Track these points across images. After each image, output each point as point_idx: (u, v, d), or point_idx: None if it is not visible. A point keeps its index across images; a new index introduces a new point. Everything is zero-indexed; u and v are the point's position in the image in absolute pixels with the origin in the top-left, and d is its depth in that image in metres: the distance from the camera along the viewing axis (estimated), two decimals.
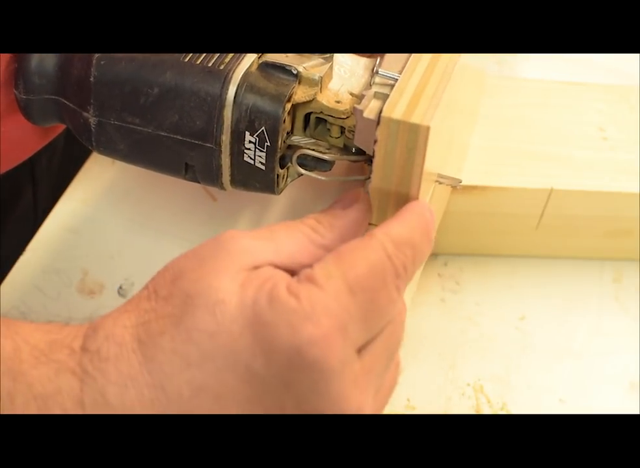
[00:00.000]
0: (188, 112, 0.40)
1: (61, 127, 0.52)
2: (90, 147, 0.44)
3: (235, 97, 0.39)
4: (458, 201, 0.53)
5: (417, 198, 0.36)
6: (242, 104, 0.39)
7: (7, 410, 0.29)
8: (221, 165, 0.41)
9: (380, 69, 0.38)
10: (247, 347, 0.29)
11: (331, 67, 0.41)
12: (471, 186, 0.52)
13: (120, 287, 0.53)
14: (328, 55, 0.41)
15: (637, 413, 0.49)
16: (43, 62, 0.42)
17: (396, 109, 0.34)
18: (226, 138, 0.40)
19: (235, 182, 0.42)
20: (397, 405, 0.49)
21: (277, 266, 0.32)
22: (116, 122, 0.41)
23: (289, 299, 0.30)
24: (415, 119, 0.34)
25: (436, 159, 0.38)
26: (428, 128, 0.34)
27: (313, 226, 0.34)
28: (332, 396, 0.30)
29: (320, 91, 0.40)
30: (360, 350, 0.31)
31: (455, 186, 0.39)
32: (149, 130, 0.41)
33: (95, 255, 0.55)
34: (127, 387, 0.29)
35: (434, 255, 0.57)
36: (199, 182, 0.43)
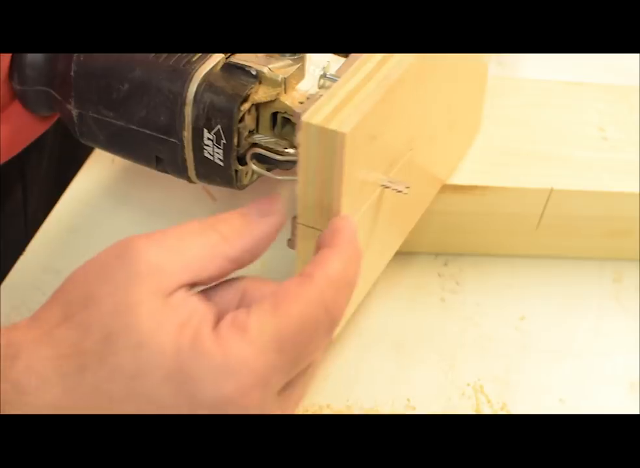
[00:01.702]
0: (154, 107, 0.42)
1: (54, 119, 0.53)
2: (75, 136, 0.46)
3: (194, 96, 0.41)
4: (458, 201, 0.53)
5: (339, 203, 0.35)
6: (201, 103, 0.41)
7: None
8: (185, 159, 0.43)
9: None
10: (169, 395, 0.30)
11: (301, 68, 0.42)
12: (471, 186, 0.52)
13: None
14: (298, 56, 0.42)
15: (637, 413, 0.49)
16: (35, 56, 0.44)
17: (318, 114, 0.34)
18: (187, 134, 0.41)
19: (199, 176, 0.44)
20: (397, 405, 0.49)
21: (187, 283, 0.31)
22: (93, 114, 0.44)
23: (216, 352, 0.30)
24: (333, 125, 0.34)
25: (376, 163, 0.38)
26: (344, 135, 0.33)
27: (224, 234, 0.33)
28: None
29: (285, 92, 0.41)
30: (280, 391, 0.32)
31: (400, 191, 0.39)
32: (122, 124, 0.43)
33: None
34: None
35: (434, 255, 0.57)
36: (171, 174, 0.45)
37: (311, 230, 0.37)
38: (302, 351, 0.31)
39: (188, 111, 0.41)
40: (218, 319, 0.32)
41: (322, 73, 0.40)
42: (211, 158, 0.42)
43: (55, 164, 0.66)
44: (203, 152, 0.42)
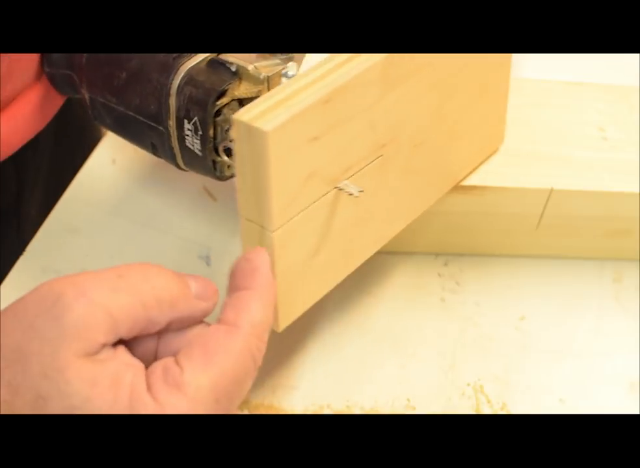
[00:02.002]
0: (146, 96, 0.45)
1: (45, 121, 0.55)
2: (91, 119, 0.50)
3: (177, 88, 0.44)
4: (458, 201, 0.53)
5: (269, 199, 0.36)
6: (182, 95, 0.43)
7: None
8: (172, 147, 0.46)
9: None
10: None
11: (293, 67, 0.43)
12: (471, 186, 0.52)
13: None
14: (287, 56, 0.43)
15: (637, 413, 0.49)
16: None
17: (251, 112, 0.35)
18: (172, 123, 0.44)
19: (185, 164, 0.46)
20: (397, 405, 0.49)
21: (113, 341, 0.31)
22: (100, 99, 0.47)
23: (154, 408, 0.30)
24: (259, 123, 0.34)
25: (323, 164, 0.38)
26: (266, 133, 0.34)
27: (158, 298, 0.32)
28: None
29: (269, 90, 0.42)
30: None
31: (352, 194, 0.39)
32: (122, 109, 0.46)
33: (95, 255, 0.55)
34: None
35: (434, 255, 0.57)
36: (165, 160, 0.48)
37: (251, 224, 0.38)
38: (235, 399, 0.32)
39: (172, 102, 0.44)
40: (146, 370, 0.31)
41: (284, 72, 0.41)
42: (191, 147, 0.44)
43: (54, 164, 0.66)
44: (185, 141, 0.44)
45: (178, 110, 0.43)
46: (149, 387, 0.30)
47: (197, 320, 0.34)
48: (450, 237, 0.56)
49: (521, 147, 0.55)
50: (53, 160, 0.67)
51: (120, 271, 0.32)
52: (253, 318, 0.33)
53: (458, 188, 0.52)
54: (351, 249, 0.44)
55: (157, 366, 0.31)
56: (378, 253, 0.56)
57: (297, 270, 0.40)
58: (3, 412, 0.29)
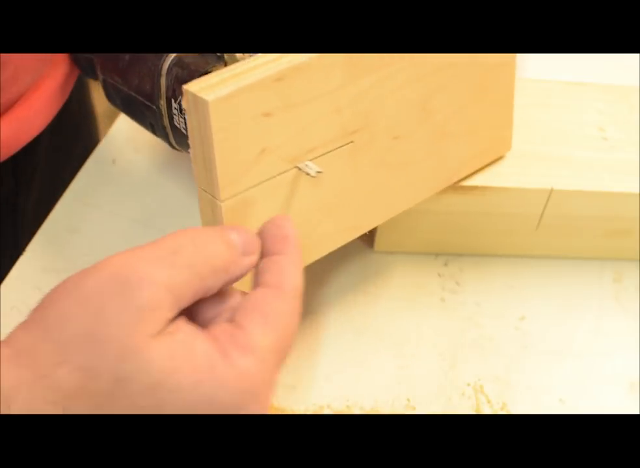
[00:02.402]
0: (143, 77, 0.48)
1: (37, 131, 0.56)
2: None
3: (167, 69, 0.46)
4: (458, 201, 0.53)
5: (216, 170, 0.37)
6: (170, 75, 0.46)
7: None
8: (165, 126, 0.48)
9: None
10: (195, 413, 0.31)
11: None
12: (471, 186, 0.52)
13: None
14: None
15: (637, 413, 0.49)
16: None
17: (201, 84, 0.36)
18: (163, 102, 0.47)
19: (177, 143, 0.49)
20: (397, 405, 0.49)
21: (178, 313, 0.32)
22: (110, 80, 0.51)
23: (234, 379, 0.31)
24: (204, 93, 0.35)
25: (280, 141, 0.39)
26: (207, 102, 0.35)
27: (215, 267, 0.33)
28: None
29: None
30: None
31: (308, 173, 0.40)
32: (126, 90, 0.49)
33: (95, 255, 0.55)
34: None
35: (434, 255, 0.57)
36: (162, 140, 0.50)
37: (204, 193, 0.39)
38: (286, 358, 0.34)
39: (163, 82, 0.46)
40: (211, 336, 0.32)
41: None
42: (178, 126, 0.46)
43: (51, 163, 0.66)
44: (173, 120, 0.46)
45: (167, 90, 0.46)
46: (222, 353, 0.31)
47: (244, 276, 0.35)
48: (450, 237, 0.56)
49: (521, 147, 0.55)
50: (49, 160, 0.67)
51: (173, 246, 0.33)
52: (294, 281, 0.35)
53: (458, 188, 0.52)
54: (316, 234, 0.44)
55: (221, 332, 0.32)
56: (378, 253, 0.57)
57: None
58: (75, 397, 0.29)
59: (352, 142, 0.43)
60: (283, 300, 0.34)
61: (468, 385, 0.50)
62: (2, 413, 0.28)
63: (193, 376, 0.30)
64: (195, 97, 0.36)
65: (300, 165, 0.40)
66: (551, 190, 0.53)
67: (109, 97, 0.52)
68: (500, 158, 0.53)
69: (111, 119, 0.66)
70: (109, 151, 0.63)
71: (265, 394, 0.32)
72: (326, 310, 0.53)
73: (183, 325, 0.32)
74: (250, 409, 0.31)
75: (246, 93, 0.36)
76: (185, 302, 0.32)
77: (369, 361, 0.51)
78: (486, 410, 0.49)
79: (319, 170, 0.40)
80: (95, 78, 0.53)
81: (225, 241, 0.34)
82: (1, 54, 0.49)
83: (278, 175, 0.40)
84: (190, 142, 0.38)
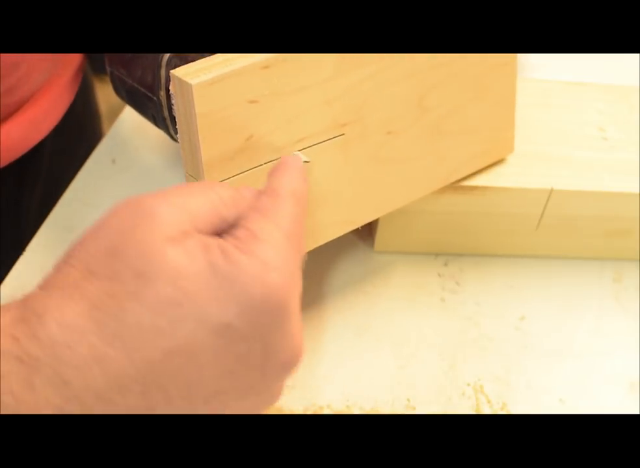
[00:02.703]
0: (145, 68, 0.48)
1: (45, 132, 0.56)
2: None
3: (167, 61, 0.47)
4: (458, 201, 0.53)
5: (200, 154, 0.37)
6: (170, 66, 0.46)
7: None
8: (165, 117, 0.48)
9: None
10: (219, 306, 0.31)
11: None
12: (471, 186, 0.52)
13: None
14: None
15: (637, 413, 0.49)
16: None
17: (189, 68, 0.37)
18: (163, 93, 0.47)
19: (175, 134, 0.47)
20: (397, 405, 0.49)
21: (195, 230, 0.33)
22: (116, 72, 0.51)
23: (247, 257, 0.32)
24: (188, 77, 0.36)
25: (267, 130, 0.39)
26: (191, 85, 0.36)
27: (223, 197, 0.34)
28: (289, 333, 0.33)
29: None
30: None
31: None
32: (130, 81, 0.50)
33: None
34: (91, 368, 0.29)
35: (434, 255, 0.57)
36: (168, 135, 0.51)
37: (192, 178, 0.39)
38: (300, 242, 0.34)
39: (163, 73, 0.47)
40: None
41: None
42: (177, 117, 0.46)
43: (55, 164, 0.67)
44: (172, 111, 0.45)
45: (167, 81, 0.46)
46: (234, 245, 0.32)
47: None
48: (450, 237, 0.56)
49: (521, 147, 0.55)
50: (54, 160, 0.67)
51: (186, 185, 0.35)
52: (291, 184, 0.36)
53: (458, 188, 0.52)
54: (307, 225, 0.44)
55: (229, 235, 0.33)
56: (378, 253, 0.57)
57: None
58: (103, 305, 0.30)
59: (343, 134, 0.43)
60: (278, 199, 0.35)
61: (468, 385, 0.50)
62: (35, 328, 0.29)
63: (209, 263, 0.31)
64: (180, 81, 0.36)
65: (286, 154, 0.41)
66: (551, 190, 0.53)
67: (116, 89, 0.53)
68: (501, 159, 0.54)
69: (115, 120, 0.66)
70: (109, 151, 0.63)
71: (290, 276, 0.32)
72: (326, 310, 0.53)
73: (198, 233, 0.33)
74: (271, 281, 0.31)
75: (231, 78, 0.37)
76: (202, 224, 0.33)
77: (369, 361, 0.51)
78: (486, 410, 0.49)
79: (306, 160, 0.41)
80: (104, 71, 0.54)
81: (232, 187, 0.36)
82: (14, 53, 0.50)
83: (265, 163, 0.40)
84: (177, 127, 0.39)
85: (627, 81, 0.66)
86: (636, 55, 0.75)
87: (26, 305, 0.30)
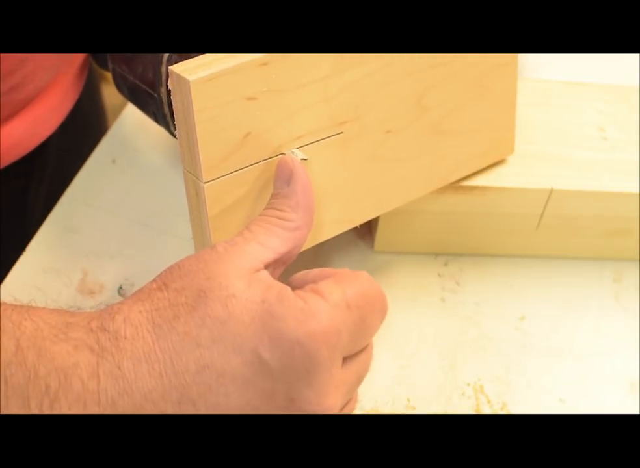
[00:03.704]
0: (146, 65, 0.48)
1: (52, 129, 0.57)
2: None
3: (168, 57, 0.47)
4: (458, 201, 0.53)
5: (198, 150, 0.38)
6: (170, 63, 0.46)
7: (31, 381, 0.32)
8: (165, 114, 0.48)
9: None
10: (255, 334, 0.33)
11: None
12: (471, 186, 0.52)
13: (120, 287, 0.53)
14: None
15: (637, 413, 0.49)
16: None
17: (188, 64, 0.37)
18: (163, 90, 0.47)
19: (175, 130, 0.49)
20: (397, 405, 0.49)
21: (268, 263, 0.36)
22: (118, 69, 0.51)
23: (297, 300, 0.34)
24: (186, 73, 0.36)
25: (265, 127, 0.39)
26: (189, 82, 0.36)
27: (279, 215, 0.38)
28: (317, 387, 0.34)
29: None
30: (344, 361, 0.36)
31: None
32: (132, 78, 0.50)
33: (95, 255, 0.55)
34: (141, 362, 0.33)
35: (434, 255, 0.57)
36: (168, 131, 0.51)
37: (189, 174, 0.39)
38: (363, 317, 0.36)
39: (163, 70, 0.47)
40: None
41: None
42: None
43: (60, 164, 0.67)
44: (172, 107, 0.45)
45: (167, 78, 0.45)
46: (295, 293, 0.35)
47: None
48: (450, 237, 0.56)
49: (521, 147, 0.55)
50: (59, 159, 0.67)
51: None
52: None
53: (458, 188, 0.52)
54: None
55: (299, 289, 0.36)
56: (378, 253, 0.57)
57: (238, 228, 0.40)
58: (164, 308, 0.34)
59: (341, 132, 0.43)
60: (359, 272, 0.37)
61: (468, 385, 0.50)
62: (108, 323, 0.33)
63: (262, 296, 0.34)
64: (179, 78, 0.36)
65: (286, 152, 0.41)
66: (551, 190, 0.53)
67: (118, 86, 0.53)
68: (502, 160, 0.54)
69: (115, 119, 0.66)
70: (109, 151, 0.63)
71: (326, 326, 0.33)
72: None
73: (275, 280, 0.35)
74: (305, 326, 0.33)
75: (229, 75, 0.37)
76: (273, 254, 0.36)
77: None
78: (486, 410, 0.49)
79: (304, 157, 0.41)
80: (107, 68, 0.54)
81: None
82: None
83: (263, 160, 0.40)
84: (176, 123, 0.39)
85: (627, 81, 0.66)
86: (636, 55, 0.75)
87: (108, 307, 0.35)
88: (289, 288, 0.35)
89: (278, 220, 0.38)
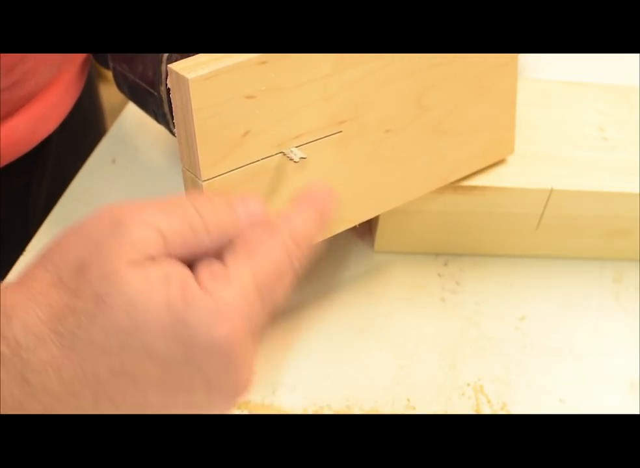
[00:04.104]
0: (146, 64, 0.49)
1: (53, 126, 0.56)
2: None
3: (168, 56, 0.47)
4: (458, 201, 0.53)
5: (196, 149, 0.38)
6: (170, 62, 0.46)
7: None
8: (165, 113, 0.48)
9: None
10: (166, 345, 0.32)
11: None
12: (470, 186, 0.52)
13: None
14: None
15: (637, 413, 0.49)
16: None
17: (187, 63, 0.37)
18: (163, 88, 0.47)
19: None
20: (397, 405, 0.49)
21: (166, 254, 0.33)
22: (118, 68, 0.52)
23: (206, 301, 0.32)
24: (185, 71, 0.36)
25: (265, 125, 0.39)
26: (188, 80, 0.36)
27: (208, 223, 0.34)
28: (235, 373, 0.33)
29: None
30: None
31: (292, 159, 0.41)
32: (132, 77, 0.50)
33: None
34: (47, 372, 0.31)
35: (434, 255, 0.57)
36: (168, 130, 0.51)
37: (188, 173, 0.39)
38: (273, 293, 0.34)
39: (163, 69, 0.47)
40: (194, 265, 0.34)
41: None
42: None
43: (62, 160, 0.67)
44: (172, 106, 0.45)
45: (167, 76, 0.45)
46: (198, 281, 0.33)
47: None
48: (450, 237, 0.56)
49: (521, 147, 0.55)
50: (59, 158, 0.67)
51: (173, 200, 0.34)
52: (293, 224, 0.35)
53: (458, 188, 0.52)
54: None
55: (203, 265, 0.34)
56: (378, 253, 0.57)
57: None
58: (62, 317, 0.32)
59: (340, 131, 0.43)
60: (270, 235, 0.34)
61: (468, 385, 0.50)
62: (3, 328, 0.31)
63: (166, 298, 0.31)
64: (178, 76, 0.36)
65: (285, 151, 0.41)
66: (551, 190, 0.53)
67: (118, 85, 0.53)
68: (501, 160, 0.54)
69: (115, 119, 0.66)
70: (109, 150, 0.63)
71: (238, 322, 0.32)
72: (326, 310, 0.53)
73: (166, 258, 0.33)
74: (219, 332, 0.32)
75: (228, 73, 0.37)
76: (175, 249, 0.33)
77: (369, 361, 0.51)
78: (486, 410, 0.49)
79: (303, 156, 0.41)
80: (108, 67, 0.54)
81: (226, 206, 0.35)
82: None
83: (262, 159, 0.40)
84: (175, 121, 0.39)
85: (627, 81, 0.66)
86: (636, 55, 0.75)
87: (4, 300, 0.32)
88: (190, 276, 0.33)
89: (202, 228, 0.34)
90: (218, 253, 0.34)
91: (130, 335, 0.31)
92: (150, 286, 0.32)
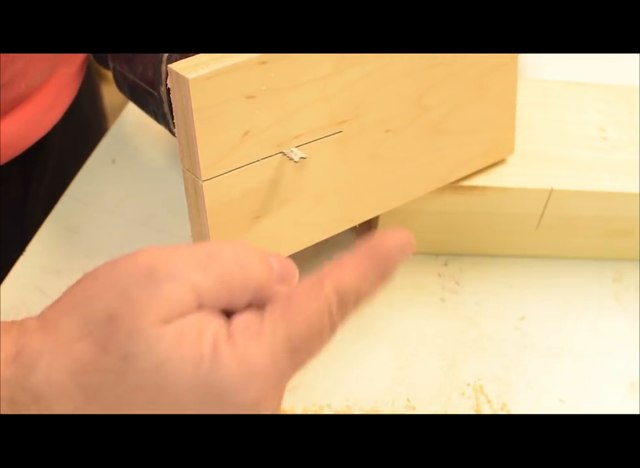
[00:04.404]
0: (146, 64, 0.49)
1: (45, 130, 0.56)
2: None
3: (168, 56, 0.47)
4: (458, 201, 0.53)
5: (196, 148, 0.37)
6: (170, 62, 0.46)
7: None
8: (165, 113, 0.48)
9: None
10: (195, 402, 0.31)
11: None
12: (470, 186, 0.52)
13: None
14: None
15: (637, 413, 0.49)
16: None
17: (187, 63, 0.37)
18: (163, 89, 0.48)
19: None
20: (397, 406, 0.49)
21: (191, 303, 0.32)
22: (118, 68, 0.52)
23: (235, 362, 0.31)
24: (185, 71, 0.36)
25: (264, 125, 0.39)
26: (187, 80, 0.36)
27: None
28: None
29: None
30: None
31: (292, 159, 0.40)
32: (132, 77, 0.50)
33: (95, 255, 0.55)
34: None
35: (434, 255, 0.57)
36: (168, 130, 0.51)
37: (188, 173, 0.39)
38: (309, 354, 0.32)
39: (164, 69, 0.47)
40: (229, 319, 0.32)
41: None
42: None
43: (62, 160, 0.67)
44: (172, 106, 0.45)
45: (167, 76, 0.45)
46: (229, 337, 0.31)
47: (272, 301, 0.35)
48: (450, 237, 0.56)
49: (521, 147, 0.55)
50: (59, 159, 0.67)
51: (211, 251, 0.33)
52: (341, 280, 0.33)
53: (458, 188, 0.52)
54: (303, 222, 0.44)
55: (241, 318, 0.32)
56: None
57: (237, 226, 0.40)
58: (88, 371, 0.31)
59: (340, 131, 0.43)
60: (314, 292, 0.32)
61: (468, 385, 0.50)
62: (24, 378, 0.30)
63: (196, 357, 0.30)
64: (178, 76, 0.36)
65: (285, 151, 0.41)
66: (551, 190, 0.53)
67: (118, 85, 0.53)
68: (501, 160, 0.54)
69: (115, 120, 0.66)
70: (109, 150, 0.63)
71: (268, 384, 0.31)
72: None
73: (199, 311, 0.32)
74: (247, 395, 0.31)
75: (228, 73, 0.37)
76: (208, 305, 0.32)
77: (369, 361, 0.51)
78: (486, 410, 0.49)
79: (303, 156, 0.41)
80: (108, 67, 0.54)
81: (264, 261, 0.33)
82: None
83: (262, 159, 0.40)
84: (175, 121, 0.39)
85: (627, 81, 0.66)
86: (636, 55, 0.75)
87: (20, 343, 0.31)
88: (222, 328, 0.31)
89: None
90: (260, 303, 0.33)
91: (158, 393, 0.31)
92: (181, 341, 0.31)
